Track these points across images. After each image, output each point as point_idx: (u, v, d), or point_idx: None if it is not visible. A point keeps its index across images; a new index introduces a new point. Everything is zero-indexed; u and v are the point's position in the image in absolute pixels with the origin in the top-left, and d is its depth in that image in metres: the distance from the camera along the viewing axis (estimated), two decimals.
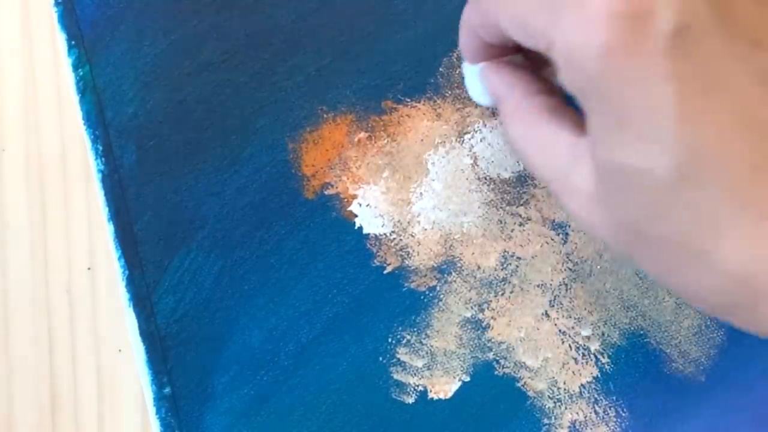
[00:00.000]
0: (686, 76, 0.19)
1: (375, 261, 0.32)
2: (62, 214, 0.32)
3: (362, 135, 0.32)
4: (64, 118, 0.33)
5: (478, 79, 0.28)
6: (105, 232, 0.32)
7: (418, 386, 0.32)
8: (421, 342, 0.32)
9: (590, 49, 0.19)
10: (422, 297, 0.32)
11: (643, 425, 0.32)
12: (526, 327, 0.32)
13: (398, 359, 0.32)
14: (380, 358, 0.32)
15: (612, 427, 0.32)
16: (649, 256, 0.21)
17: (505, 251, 0.32)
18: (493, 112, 0.32)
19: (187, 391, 0.31)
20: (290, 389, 0.31)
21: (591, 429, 0.32)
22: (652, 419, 0.32)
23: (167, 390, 0.31)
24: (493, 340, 0.32)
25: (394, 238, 0.32)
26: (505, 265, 0.32)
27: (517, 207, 0.32)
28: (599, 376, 0.32)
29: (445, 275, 0.32)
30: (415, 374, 0.32)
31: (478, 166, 0.32)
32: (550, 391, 0.32)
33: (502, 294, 0.32)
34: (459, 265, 0.32)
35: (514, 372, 0.32)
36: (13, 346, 0.32)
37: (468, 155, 0.32)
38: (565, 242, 0.32)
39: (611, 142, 0.20)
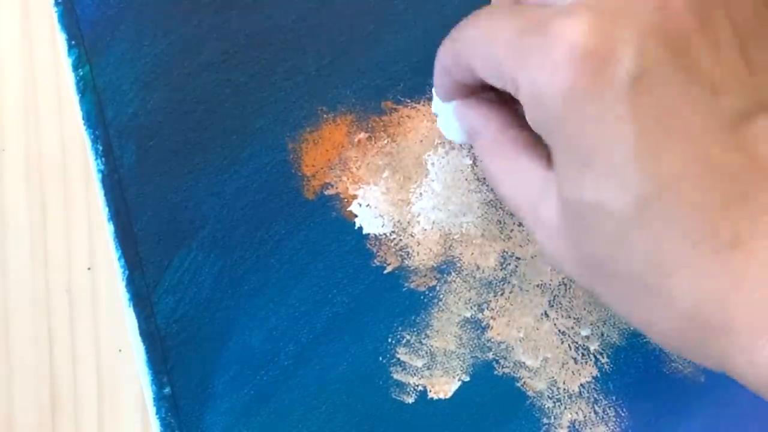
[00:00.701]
0: (645, 117, 0.20)
1: (375, 261, 0.32)
2: (62, 214, 0.32)
3: (362, 135, 0.32)
4: (64, 118, 0.33)
5: (452, 116, 0.28)
6: (105, 232, 0.32)
7: (418, 386, 0.32)
8: (420, 342, 0.32)
9: (554, 91, 0.20)
10: (422, 297, 0.32)
11: (643, 425, 0.32)
12: (525, 327, 0.32)
13: (398, 359, 0.32)
14: (380, 358, 0.32)
15: (612, 427, 0.32)
16: (609, 290, 0.22)
17: (504, 251, 0.32)
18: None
19: (187, 391, 0.31)
20: (290, 389, 0.31)
21: (590, 429, 0.32)
22: (652, 419, 0.32)
23: (167, 390, 0.31)
24: (492, 340, 0.32)
25: (394, 238, 0.32)
26: (504, 265, 0.32)
27: None
28: (599, 376, 0.32)
29: (445, 275, 0.32)
30: (415, 374, 0.32)
31: (477, 166, 0.32)
32: (550, 391, 0.32)
33: (502, 294, 0.32)
34: (459, 265, 0.32)
35: (514, 372, 0.32)
36: (13, 346, 0.32)
37: (468, 155, 0.32)
38: None
39: (574, 179, 0.21)
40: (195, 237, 0.32)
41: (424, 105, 0.33)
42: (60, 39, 0.33)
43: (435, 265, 0.32)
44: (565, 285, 0.32)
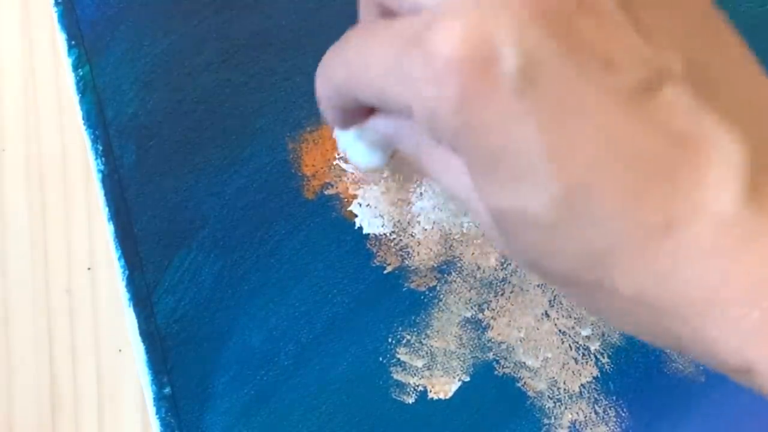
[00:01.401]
0: (543, 112, 0.18)
1: (375, 261, 0.32)
2: (62, 214, 0.32)
3: None
4: (64, 118, 0.33)
5: (358, 140, 0.25)
6: (105, 232, 0.32)
7: (418, 386, 0.32)
8: (421, 342, 0.32)
9: (446, 108, 0.19)
10: (422, 297, 0.32)
11: (643, 425, 0.32)
12: (526, 327, 0.32)
13: (398, 359, 0.32)
14: (380, 358, 0.32)
15: (612, 427, 0.32)
16: (553, 285, 0.21)
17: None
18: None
19: (187, 391, 0.31)
20: (290, 389, 0.31)
21: (591, 429, 0.32)
22: (652, 419, 0.32)
23: (167, 390, 0.31)
24: (493, 340, 0.32)
25: (394, 238, 0.32)
26: (504, 265, 0.32)
27: None
28: (599, 376, 0.32)
29: (445, 275, 0.32)
30: (415, 374, 0.32)
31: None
32: (550, 391, 0.32)
33: (502, 294, 0.32)
34: (459, 265, 0.32)
35: (514, 372, 0.32)
36: (13, 346, 0.32)
37: None
38: None
39: (490, 188, 0.20)
40: (195, 237, 0.32)
41: None
42: (60, 39, 0.33)
43: (435, 265, 0.32)
44: None
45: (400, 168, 0.32)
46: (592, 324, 0.32)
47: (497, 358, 0.32)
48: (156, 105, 0.32)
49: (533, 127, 0.18)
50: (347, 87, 0.22)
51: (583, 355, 0.32)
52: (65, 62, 0.33)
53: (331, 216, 0.32)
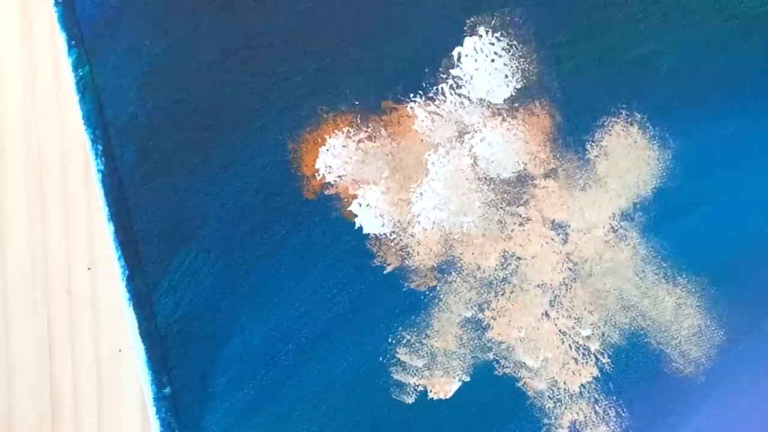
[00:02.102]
0: None
1: (375, 261, 0.32)
2: (62, 214, 0.32)
3: (362, 135, 0.32)
4: (64, 118, 0.33)
5: None
6: (105, 232, 0.32)
7: (418, 386, 0.32)
8: (421, 342, 0.32)
9: None
10: (422, 297, 0.32)
11: (643, 425, 0.32)
12: (526, 327, 0.32)
13: (398, 359, 0.32)
14: (380, 358, 0.32)
15: (612, 427, 0.32)
16: None
17: (505, 251, 0.32)
18: (493, 112, 0.32)
19: (187, 391, 0.31)
20: (290, 389, 0.31)
21: (591, 429, 0.32)
22: (652, 419, 0.32)
23: (167, 390, 0.31)
24: (493, 340, 0.32)
25: (394, 238, 0.32)
26: (505, 265, 0.32)
27: (517, 207, 0.32)
28: (599, 376, 0.32)
29: (445, 275, 0.32)
30: (415, 374, 0.32)
31: (478, 166, 0.32)
32: (550, 391, 0.32)
33: (502, 294, 0.32)
34: (459, 265, 0.32)
35: (514, 372, 0.32)
36: (13, 346, 0.32)
37: (468, 155, 0.32)
38: (565, 242, 0.32)
39: None
40: (195, 237, 0.32)
41: (424, 104, 0.33)
42: (60, 39, 0.33)
43: (435, 265, 0.32)
44: (566, 285, 0.32)
45: (400, 168, 0.32)
46: (593, 324, 0.32)
47: (497, 358, 0.32)
48: (156, 105, 0.32)
49: None
50: None
51: (583, 355, 0.32)
52: (65, 62, 0.33)
53: (331, 216, 0.32)
